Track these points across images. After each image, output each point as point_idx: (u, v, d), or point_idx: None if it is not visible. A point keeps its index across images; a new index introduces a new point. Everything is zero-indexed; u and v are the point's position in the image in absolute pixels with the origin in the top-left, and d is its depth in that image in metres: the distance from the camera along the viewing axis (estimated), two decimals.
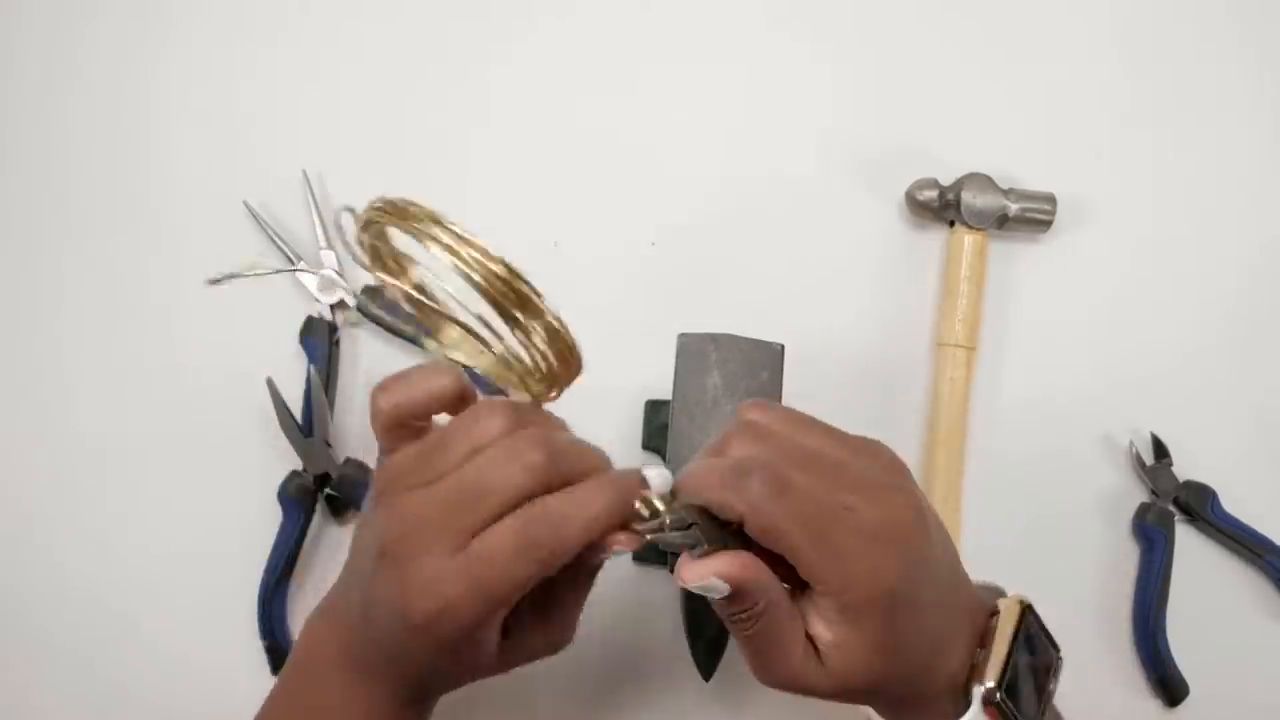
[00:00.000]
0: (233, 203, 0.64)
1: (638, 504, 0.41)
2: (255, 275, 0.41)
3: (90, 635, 0.61)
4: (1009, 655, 0.44)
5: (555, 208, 0.66)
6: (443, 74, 0.67)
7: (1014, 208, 0.64)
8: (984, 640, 0.45)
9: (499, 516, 0.40)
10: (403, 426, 0.42)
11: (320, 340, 0.62)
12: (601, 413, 0.63)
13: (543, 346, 0.42)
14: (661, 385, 0.55)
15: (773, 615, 0.41)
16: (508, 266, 0.40)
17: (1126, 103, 0.69)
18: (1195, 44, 0.70)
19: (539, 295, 0.41)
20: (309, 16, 0.67)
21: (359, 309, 0.63)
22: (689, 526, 0.41)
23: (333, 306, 0.63)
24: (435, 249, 0.39)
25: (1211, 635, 0.64)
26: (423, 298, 0.42)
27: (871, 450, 0.44)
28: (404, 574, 0.40)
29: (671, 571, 0.56)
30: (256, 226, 0.64)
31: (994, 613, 0.45)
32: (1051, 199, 0.65)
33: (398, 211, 0.39)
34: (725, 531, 0.41)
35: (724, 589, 0.41)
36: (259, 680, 0.60)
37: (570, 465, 0.41)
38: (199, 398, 0.63)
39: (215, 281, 0.41)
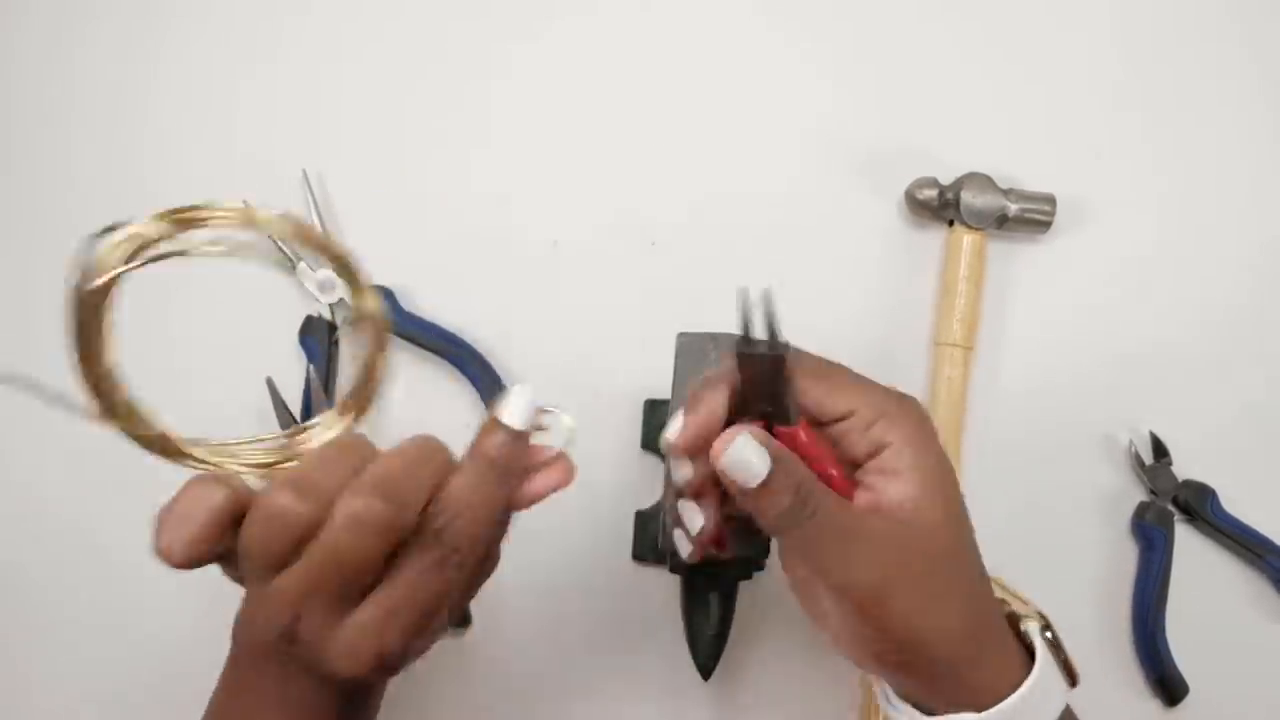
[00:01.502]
0: (233, 203, 0.64)
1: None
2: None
3: (90, 635, 0.61)
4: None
5: (555, 208, 0.66)
6: (443, 74, 0.67)
7: (1013, 208, 0.64)
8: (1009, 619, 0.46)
9: (377, 569, 0.39)
10: (209, 556, 0.39)
11: (320, 340, 0.62)
12: (601, 413, 0.63)
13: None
14: (661, 385, 0.55)
15: (826, 493, 0.41)
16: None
17: (1127, 103, 0.69)
18: (1195, 44, 0.70)
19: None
20: (309, 17, 0.67)
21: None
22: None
23: (332, 306, 0.63)
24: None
25: (1211, 635, 0.64)
26: (172, 443, 0.40)
27: None
28: (317, 649, 0.39)
29: (671, 571, 0.56)
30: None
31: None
32: (1051, 199, 0.65)
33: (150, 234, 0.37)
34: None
35: (762, 465, 0.40)
36: None
37: (403, 490, 0.39)
38: (199, 397, 0.63)
39: None
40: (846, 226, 0.66)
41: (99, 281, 0.36)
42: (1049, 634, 0.45)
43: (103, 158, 0.65)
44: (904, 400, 0.44)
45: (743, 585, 0.57)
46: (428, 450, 0.41)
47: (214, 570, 0.61)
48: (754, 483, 0.40)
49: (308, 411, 0.61)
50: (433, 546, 0.39)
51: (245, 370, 0.62)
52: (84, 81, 0.66)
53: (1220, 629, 0.64)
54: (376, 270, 0.64)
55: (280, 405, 0.61)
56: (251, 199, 0.64)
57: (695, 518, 0.44)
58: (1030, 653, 0.44)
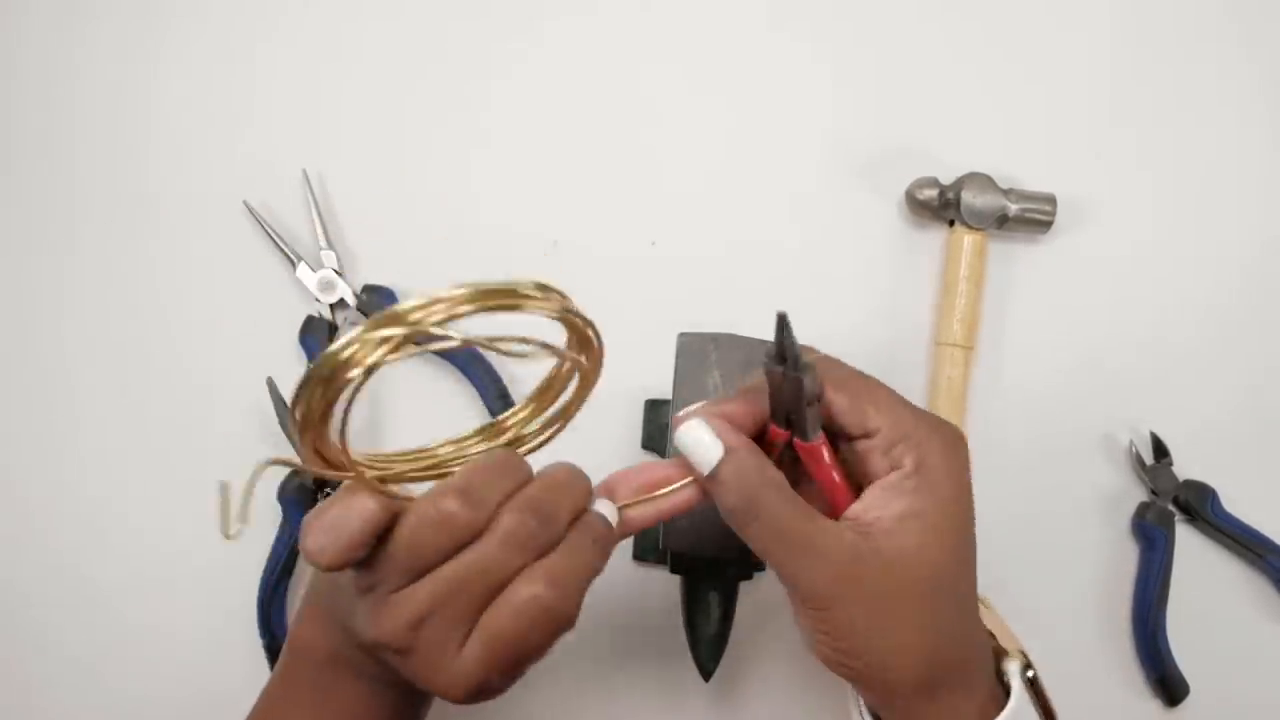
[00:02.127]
0: (233, 203, 0.64)
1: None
2: None
3: (90, 635, 0.61)
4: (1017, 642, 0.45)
5: (555, 208, 0.66)
6: (443, 74, 0.67)
7: (1014, 208, 0.64)
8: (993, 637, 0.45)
9: (498, 594, 0.40)
10: (357, 561, 0.39)
11: (320, 340, 0.62)
12: (601, 413, 0.63)
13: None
14: (661, 385, 0.55)
15: (776, 497, 0.41)
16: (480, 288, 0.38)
17: (1127, 103, 0.69)
18: (1194, 44, 0.70)
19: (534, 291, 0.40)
20: (309, 16, 0.67)
21: (359, 309, 0.63)
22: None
23: (333, 306, 0.63)
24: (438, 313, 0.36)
25: (1211, 635, 0.64)
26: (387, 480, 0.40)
27: None
28: (430, 666, 0.40)
29: (672, 571, 0.56)
30: (256, 226, 0.64)
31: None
32: (1051, 199, 0.65)
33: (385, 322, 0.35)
34: None
35: (714, 450, 0.41)
36: (258, 680, 0.60)
37: (555, 513, 0.40)
38: (199, 397, 0.63)
39: None
40: (847, 226, 0.66)
41: (361, 367, 0.35)
42: (1030, 674, 0.45)
43: (103, 158, 0.65)
44: (937, 426, 0.43)
45: (743, 585, 0.57)
46: (574, 476, 0.42)
47: (215, 578, 0.61)
48: (705, 469, 0.42)
49: None
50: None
51: (245, 370, 0.62)
52: (84, 81, 0.66)
53: (1220, 629, 0.64)
54: (376, 270, 0.65)
55: (280, 405, 0.61)
56: (252, 199, 0.64)
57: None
58: (1008, 691, 0.44)
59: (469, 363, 0.62)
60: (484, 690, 0.40)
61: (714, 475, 0.42)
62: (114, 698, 0.60)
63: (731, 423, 0.43)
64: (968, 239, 0.64)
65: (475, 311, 0.37)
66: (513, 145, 0.67)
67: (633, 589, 0.62)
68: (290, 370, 0.62)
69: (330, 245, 0.64)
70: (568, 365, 0.43)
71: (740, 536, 0.43)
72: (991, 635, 0.46)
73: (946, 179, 0.65)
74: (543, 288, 0.39)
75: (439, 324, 0.36)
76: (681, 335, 0.55)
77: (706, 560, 0.55)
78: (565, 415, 0.44)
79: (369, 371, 0.35)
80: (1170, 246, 0.68)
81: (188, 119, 0.66)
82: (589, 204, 0.66)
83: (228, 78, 0.67)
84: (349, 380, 0.35)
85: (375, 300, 0.63)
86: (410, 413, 0.63)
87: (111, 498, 0.62)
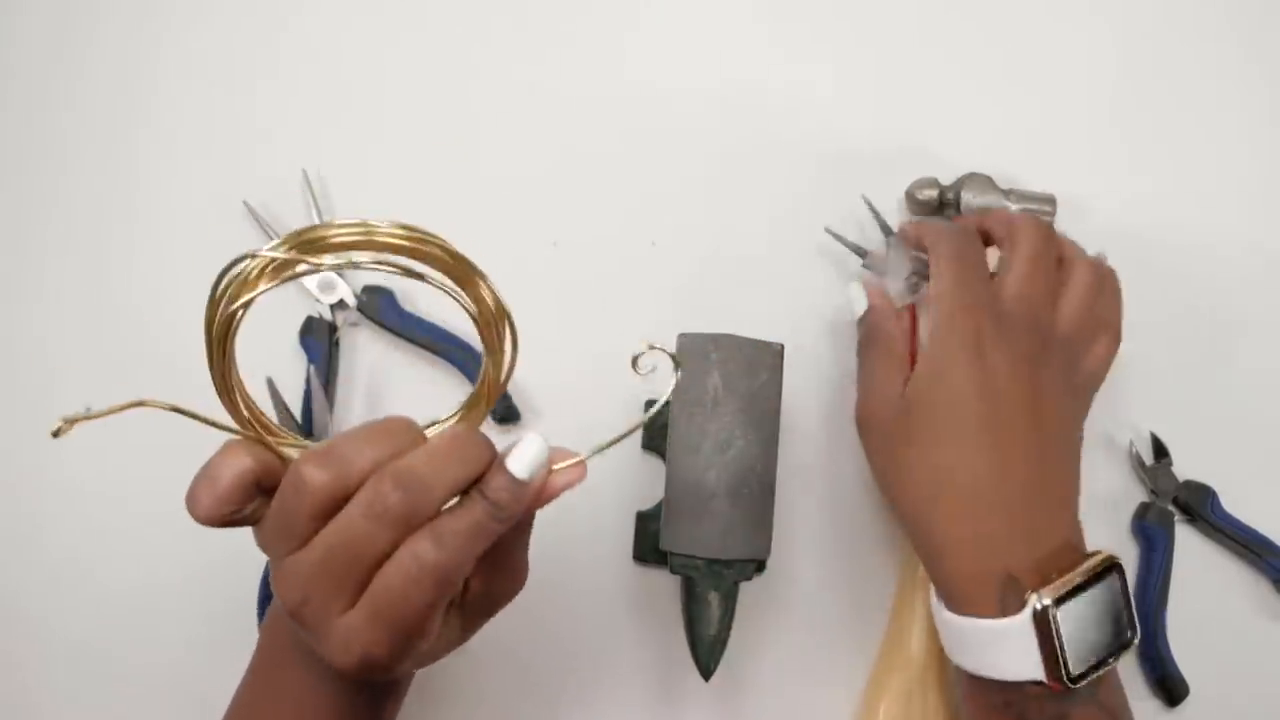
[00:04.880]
0: (233, 203, 0.64)
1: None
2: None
3: (89, 635, 0.61)
4: (1079, 588, 0.47)
5: (555, 208, 0.66)
6: (443, 74, 0.67)
7: (1014, 208, 0.64)
8: (1062, 571, 0.48)
9: (380, 564, 0.39)
10: (236, 513, 0.39)
11: (320, 340, 0.62)
12: (601, 413, 0.63)
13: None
14: (661, 386, 0.55)
15: (892, 332, 0.57)
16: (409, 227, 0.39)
17: (1127, 103, 0.69)
18: (1194, 44, 0.70)
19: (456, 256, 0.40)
20: (309, 16, 0.67)
21: (359, 309, 0.63)
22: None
23: (333, 306, 0.63)
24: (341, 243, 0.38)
25: (1211, 635, 0.64)
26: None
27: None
28: (317, 636, 0.40)
29: (672, 571, 0.56)
30: (257, 226, 0.64)
31: (1086, 555, 0.49)
32: (1051, 199, 0.65)
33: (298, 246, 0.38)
34: None
35: (861, 303, 0.59)
36: None
37: (428, 484, 0.39)
38: (199, 397, 0.63)
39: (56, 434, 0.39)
40: (847, 227, 0.66)
41: (239, 303, 0.38)
42: (1054, 615, 0.46)
43: (102, 158, 0.65)
44: (941, 266, 0.54)
45: (743, 585, 0.57)
46: (465, 449, 0.40)
47: (215, 578, 0.61)
48: (859, 310, 0.59)
49: (308, 412, 0.61)
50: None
51: (245, 370, 0.62)
52: (84, 82, 0.66)
53: (1220, 629, 0.64)
54: (376, 270, 0.65)
55: (280, 405, 0.61)
56: (251, 199, 0.64)
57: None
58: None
59: (467, 361, 0.62)
60: (370, 658, 0.39)
61: (864, 317, 0.58)
62: (114, 697, 0.60)
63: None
64: None
65: (298, 251, 0.38)
66: (513, 145, 0.67)
67: (633, 589, 0.62)
68: (290, 370, 0.62)
69: None
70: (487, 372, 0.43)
71: (858, 358, 0.57)
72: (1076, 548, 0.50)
73: (946, 179, 0.65)
74: (449, 250, 0.40)
75: (327, 249, 0.38)
76: (681, 335, 0.55)
77: (706, 560, 0.55)
78: (479, 399, 0.43)
79: (247, 304, 0.38)
80: (1169, 246, 0.68)
81: (187, 119, 0.66)
82: (589, 204, 0.66)
83: (228, 78, 0.67)
84: (234, 313, 0.38)
85: (375, 301, 0.63)
86: (409, 412, 0.63)
87: (110, 497, 0.62)
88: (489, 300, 0.41)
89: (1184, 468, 0.65)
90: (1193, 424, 0.65)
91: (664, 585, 0.61)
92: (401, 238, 0.39)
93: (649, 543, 0.60)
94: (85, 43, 0.67)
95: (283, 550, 0.39)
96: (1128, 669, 0.64)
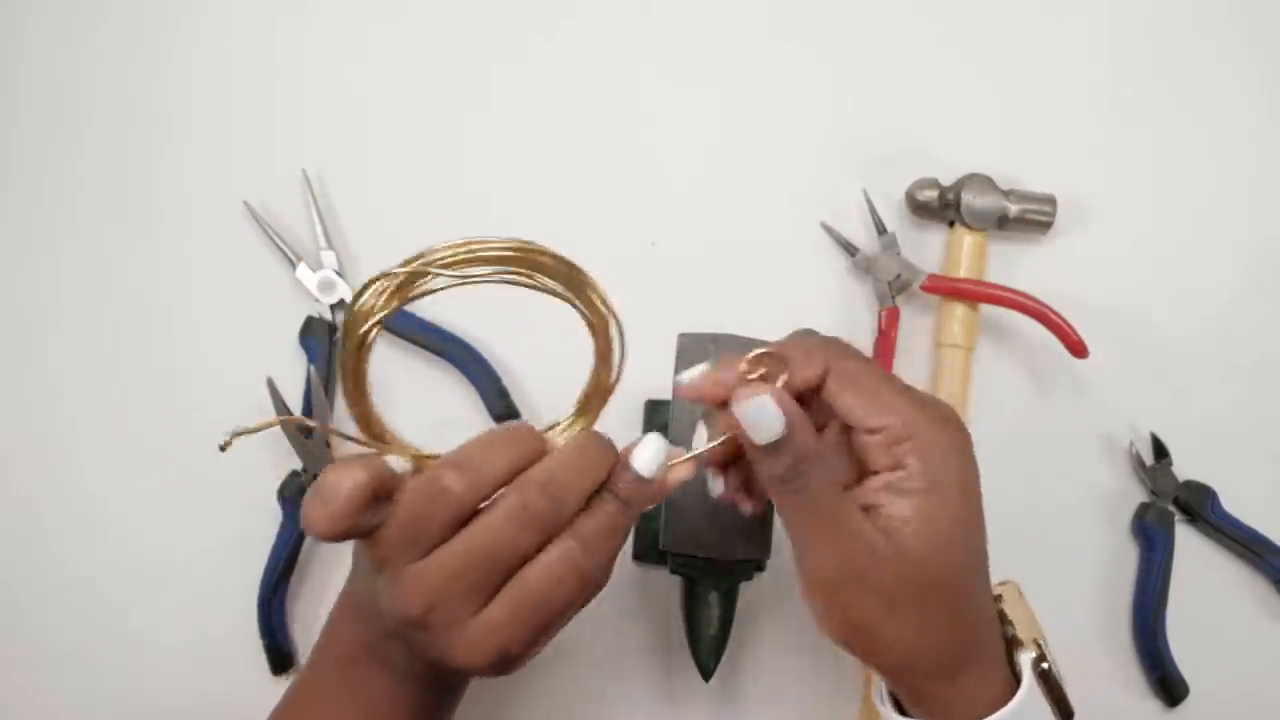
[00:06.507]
0: (233, 203, 0.64)
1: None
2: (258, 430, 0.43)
3: (90, 635, 0.61)
4: (1038, 631, 0.46)
5: (555, 208, 0.66)
6: (443, 74, 0.67)
7: (1014, 209, 0.64)
8: (1002, 617, 0.46)
9: (518, 567, 0.40)
10: (354, 527, 0.40)
11: (320, 340, 0.62)
12: (601, 413, 0.63)
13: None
14: (661, 385, 0.55)
15: (821, 474, 0.42)
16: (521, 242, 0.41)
17: (1126, 103, 0.69)
18: (1195, 44, 0.70)
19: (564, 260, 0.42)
20: (309, 16, 0.67)
21: None
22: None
23: (333, 306, 0.63)
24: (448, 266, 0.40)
25: (1211, 635, 0.64)
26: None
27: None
28: (445, 637, 0.40)
29: (672, 571, 0.56)
30: (256, 226, 0.64)
31: (996, 596, 0.46)
32: (1051, 200, 0.65)
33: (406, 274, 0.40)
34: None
35: (777, 423, 0.40)
36: (259, 680, 0.60)
37: (565, 490, 0.41)
38: (199, 397, 0.63)
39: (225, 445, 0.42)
40: (848, 227, 0.66)
41: (371, 322, 0.40)
42: (1045, 665, 0.45)
43: (102, 158, 0.65)
44: (942, 424, 0.43)
45: (743, 585, 0.57)
46: (594, 453, 0.42)
47: (215, 579, 0.61)
48: (764, 440, 0.41)
49: (308, 412, 0.61)
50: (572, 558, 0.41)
51: (245, 370, 0.62)
52: (84, 83, 0.66)
53: (1220, 629, 0.64)
54: (376, 270, 0.65)
55: (280, 405, 0.61)
56: (252, 199, 0.64)
57: (716, 484, 0.47)
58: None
59: (467, 361, 0.62)
60: (506, 654, 0.40)
61: (776, 445, 0.41)
62: (114, 698, 0.60)
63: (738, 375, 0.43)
64: (968, 239, 0.64)
65: (478, 263, 0.40)
66: (512, 146, 0.67)
67: (633, 589, 0.62)
68: (290, 370, 0.62)
69: (330, 245, 0.64)
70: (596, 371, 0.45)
71: (774, 500, 0.43)
72: (1010, 623, 0.46)
73: (947, 179, 0.65)
74: (560, 258, 0.42)
75: (443, 267, 0.40)
76: (681, 335, 0.55)
77: (706, 560, 0.55)
78: (591, 401, 0.46)
79: (379, 322, 0.40)
80: (1170, 246, 0.68)
81: (188, 119, 0.66)
82: (589, 204, 0.66)
83: (228, 78, 0.67)
84: (368, 331, 0.40)
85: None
86: (410, 412, 0.63)
87: (111, 498, 0.62)
88: (599, 305, 0.43)
89: (1184, 468, 0.65)
90: (1193, 424, 0.65)
91: (664, 585, 0.61)
92: (513, 249, 0.41)
93: (649, 543, 0.60)
94: (88, 45, 0.66)
95: (409, 557, 0.40)
96: (1128, 669, 0.64)
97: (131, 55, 0.67)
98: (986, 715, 0.42)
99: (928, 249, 0.66)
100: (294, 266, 0.63)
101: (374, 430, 0.43)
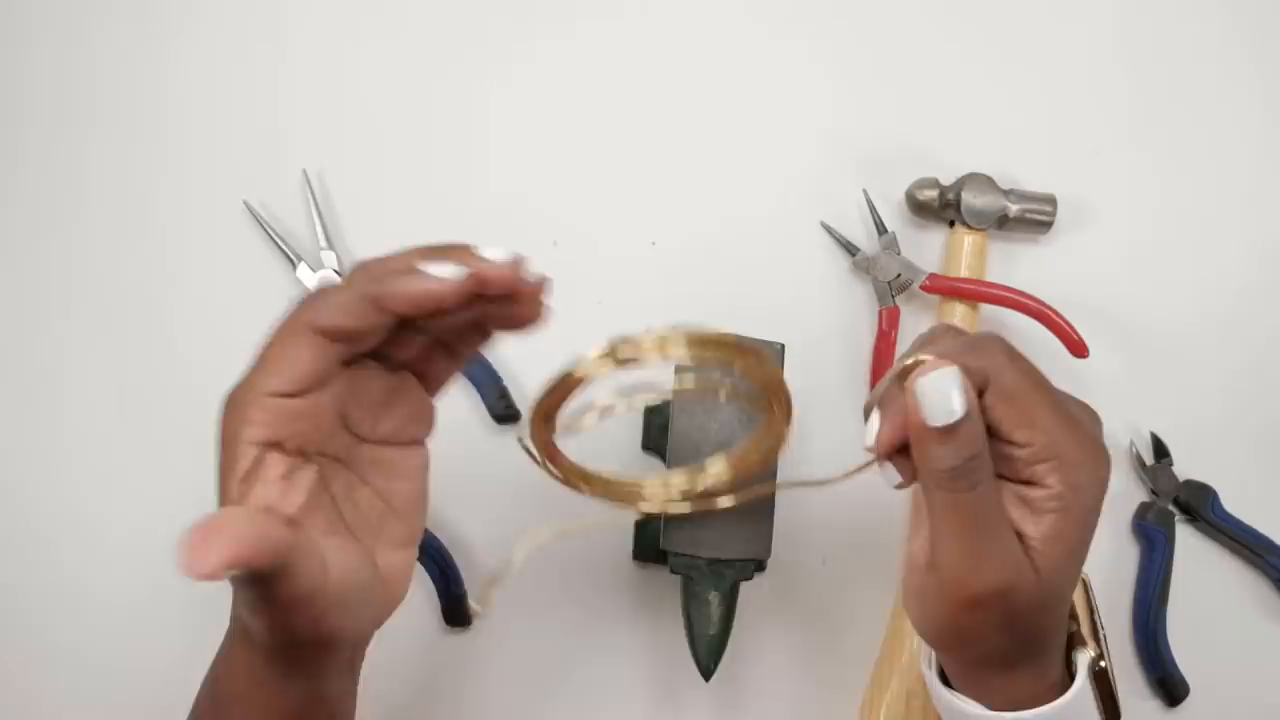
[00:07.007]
0: (233, 203, 0.64)
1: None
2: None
3: (90, 635, 0.61)
4: (1098, 627, 0.46)
5: (555, 208, 0.66)
6: (443, 74, 0.67)
7: (1014, 208, 0.64)
8: (1070, 614, 0.45)
9: None
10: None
11: None
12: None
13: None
14: (661, 386, 0.55)
15: (990, 477, 0.39)
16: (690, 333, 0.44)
17: (1126, 103, 0.69)
18: (1195, 44, 0.70)
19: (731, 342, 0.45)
20: (310, 17, 0.67)
21: None
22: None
23: None
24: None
25: (1211, 635, 0.64)
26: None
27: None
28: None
29: (672, 571, 0.56)
30: (256, 226, 0.64)
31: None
32: (1052, 200, 0.65)
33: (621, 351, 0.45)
34: None
35: (958, 402, 0.38)
36: None
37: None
38: (199, 397, 0.63)
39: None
40: (848, 227, 0.66)
41: (580, 373, 0.45)
42: (1102, 664, 0.45)
43: (103, 158, 0.65)
44: (1090, 451, 0.41)
45: (743, 585, 0.57)
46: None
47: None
48: (939, 421, 0.38)
49: None
50: None
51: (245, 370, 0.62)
52: (85, 82, 0.66)
53: (1220, 629, 0.64)
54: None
55: None
56: (252, 199, 0.64)
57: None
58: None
59: (473, 369, 0.62)
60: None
61: (952, 429, 0.38)
62: (113, 699, 0.60)
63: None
64: (968, 239, 0.64)
65: (686, 357, 0.44)
66: (513, 145, 0.67)
67: (632, 589, 0.62)
68: None
69: (330, 245, 0.64)
70: (763, 430, 0.48)
71: (934, 498, 0.40)
72: (1076, 618, 0.46)
73: (947, 179, 0.65)
74: (758, 353, 0.45)
75: (651, 356, 0.44)
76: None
77: (706, 560, 0.55)
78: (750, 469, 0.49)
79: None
80: (1170, 246, 0.68)
81: (188, 119, 0.66)
82: (589, 204, 0.66)
83: (228, 78, 0.67)
84: (573, 391, 0.45)
85: None
86: None
87: (111, 498, 0.62)
88: (773, 377, 0.46)
89: (1184, 468, 0.65)
90: (1193, 424, 0.65)
91: (664, 585, 0.61)
92: (697, 344, 0.44)
93: (649, 542, 0.60)
94: (88, 46, 0.67)
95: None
96: (1129, 669, 0.64)
97: (131, 56, 0.67)
98: (1034, 706, 0.42)
99: (928, 249, 0.66)
100: (294, 266, 0.63)
101: (563, 465, 0.47)
